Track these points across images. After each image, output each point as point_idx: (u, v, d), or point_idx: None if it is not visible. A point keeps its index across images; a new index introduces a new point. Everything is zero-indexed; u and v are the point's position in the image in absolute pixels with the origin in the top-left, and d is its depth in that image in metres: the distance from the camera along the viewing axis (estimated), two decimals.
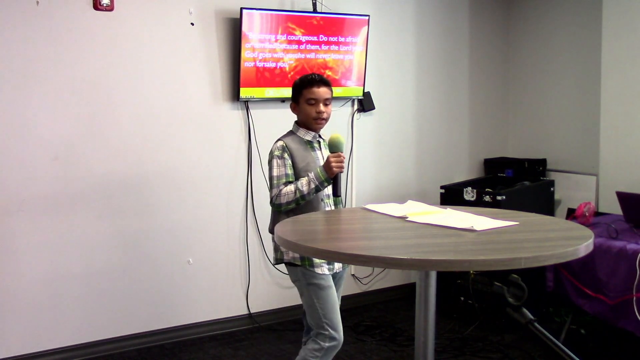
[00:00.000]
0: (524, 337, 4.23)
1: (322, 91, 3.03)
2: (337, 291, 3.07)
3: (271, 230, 3.04)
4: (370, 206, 2.72)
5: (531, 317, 2.69)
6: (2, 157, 3.80)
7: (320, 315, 2.94)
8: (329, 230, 2.48)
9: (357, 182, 5.02)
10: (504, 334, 4.34)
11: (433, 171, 5.41)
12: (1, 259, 3.83)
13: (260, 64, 4.36)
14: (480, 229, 2.20)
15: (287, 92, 4.16)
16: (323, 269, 2.95)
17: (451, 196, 4.91)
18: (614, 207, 4.32)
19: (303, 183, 2.90)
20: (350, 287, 5.07)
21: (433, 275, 2.26)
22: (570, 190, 5.20)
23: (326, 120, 3.08)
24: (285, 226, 2.43)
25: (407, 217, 2.42)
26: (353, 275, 5.08)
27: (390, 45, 5.13)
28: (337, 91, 4.74)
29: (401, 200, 2.90)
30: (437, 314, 2.35)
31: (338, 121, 4.90)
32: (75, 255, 4.03)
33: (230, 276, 4.55)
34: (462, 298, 4.66)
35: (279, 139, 3.07)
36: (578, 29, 5.19)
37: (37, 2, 3.81)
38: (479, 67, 5.60)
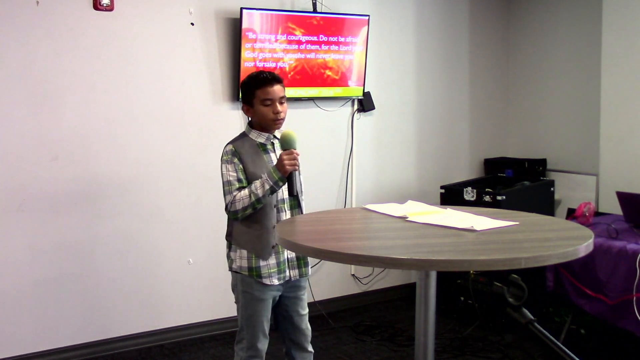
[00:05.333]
0: (524, 337, 4.23)
1: (277, 89, 2.85)
2: (300, 299, 3.00)
3: (227, 237, 2.95)
4: (370, 206, 2.71)
5: (531, 317, 2.69)
6: (2, 157, 3.80)
7: (244, 324, 2.91)
8: (329, 231, 2.48)
9: (357, 182, 5.02)
10: (504, 334, 4.34)
11: (433, 171, 5.41)
12: (1, 259, 3.83)
13: (260, 64, 4.36)
14: (480, 229, 2.19)
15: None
16: (272, 279, 2.86)
17: (451, 196, 4.91)
18: (614, 207, 4.32)
19: (257, 185, 2.75)
20: (350, 287, 5.07)
21: (433, 275, 2.25)
22: (570, 190, 5.20)
23: (284, 119, 2.90)
24: (285, 226, 2.43)
25: (407, 217, 2.41)
26: (353, 275, 5.08)
27: (390, 45, 5.13)
28: (337, 91, 4.75)
29: (401, 200, 2.89)
30: (437, 314, 2.35)
31: (338, 121, 4.91)
32: (75, 255, 4.03)
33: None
34: (462, 298, 4.66)
35: (228, 143, 2.90)
36: (578, 28, 5.19)
37: (37, 2, 3.81)
38: (479, 67, 5.60)
